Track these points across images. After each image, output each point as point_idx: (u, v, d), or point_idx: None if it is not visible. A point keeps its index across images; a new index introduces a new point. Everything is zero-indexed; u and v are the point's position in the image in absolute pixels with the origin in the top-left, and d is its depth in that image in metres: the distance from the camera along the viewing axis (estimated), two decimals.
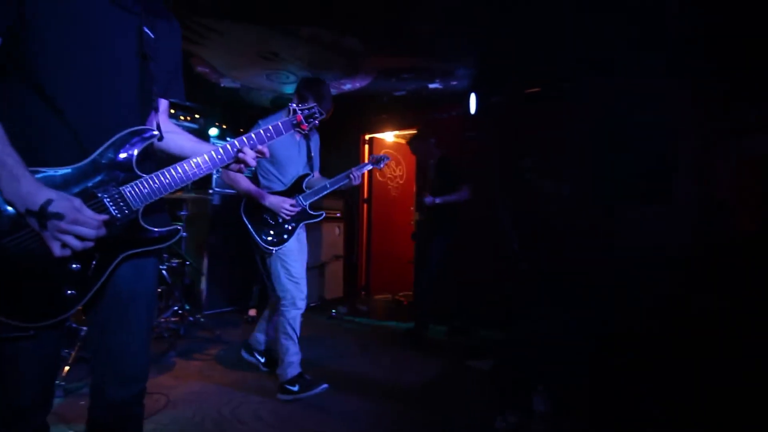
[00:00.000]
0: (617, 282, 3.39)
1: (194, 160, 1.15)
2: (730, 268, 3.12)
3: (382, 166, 2.85)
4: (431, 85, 4.49)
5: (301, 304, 2.56)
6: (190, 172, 1.14)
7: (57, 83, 0.99)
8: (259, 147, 1.25)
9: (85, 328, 2.75)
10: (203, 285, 4.35)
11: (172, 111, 4.34)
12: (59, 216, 0.90)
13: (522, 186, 4.19)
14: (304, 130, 1.40)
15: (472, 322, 3.99)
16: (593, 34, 3.23)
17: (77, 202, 0.95)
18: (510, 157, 4.32)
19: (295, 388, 2.49)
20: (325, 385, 2.54)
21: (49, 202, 0.90)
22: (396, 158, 6.29)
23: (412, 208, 6.13)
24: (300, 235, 2.66)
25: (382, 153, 2.71)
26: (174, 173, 1.12)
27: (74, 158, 1.00)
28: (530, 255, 3.55)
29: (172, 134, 1.28)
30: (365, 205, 5.88)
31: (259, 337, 2.90)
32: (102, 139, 1.03)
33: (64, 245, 0.93)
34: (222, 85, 4.62)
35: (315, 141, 2.80)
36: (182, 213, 3.83)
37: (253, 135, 1.24)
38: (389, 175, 6.17)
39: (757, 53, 3.23)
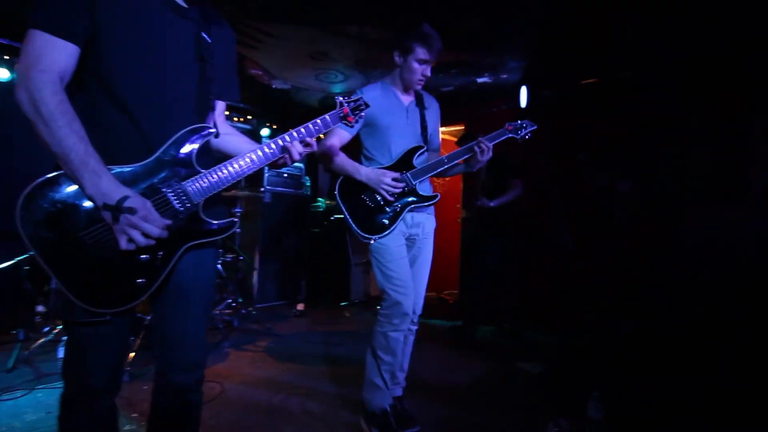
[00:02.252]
0: (686, 285, 3.16)
1: (248, 155, 1.20)
2: None
3: (522, 135, 2.12)
4: (480, 80, 4.39)
5: (398, 322, 2.01)
6: (245, 167, 1.19)
7: (126, 89, 1.06)
8: (308, 140, 1.27)
9: (148, 317, 2.94)
10: (255, 279, 4.52)
11: (227, 113, 4.55)
12: (132, 211, 0.97)
13: (578, 182, 4.00)
14: (351, 122, 1.39)
15: (522, 323, 3.87)
16: (653, 20, 3.02)
17: (149, 203, 1.02)
18: (565, 152, 4.14)
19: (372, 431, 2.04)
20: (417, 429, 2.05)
21: (125, 198, 0.97)
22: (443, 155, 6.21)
23: (458, 206, 6.04)
24: (413, 225, 2.10)
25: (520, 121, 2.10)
26: (230, 168, 1.17)
27: (142, 156, 1.07)
28: (587, 254, 3.38)
29: (229, 135, 1.34)
30: None
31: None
32: (166, 138, 1.10)
33: (130, 240, 1.00)
34: (273, 86, 4.76)
35: (433, 110, 2.21)
36: (236, 210, 3.99)
37: (302, 129, 1.27)
38: None
39: None
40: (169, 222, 1.06)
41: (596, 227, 3.88)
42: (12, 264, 2.97)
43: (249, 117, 5.43)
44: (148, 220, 1.00)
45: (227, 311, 3.75)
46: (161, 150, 1.09)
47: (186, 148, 1.12)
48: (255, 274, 4.52)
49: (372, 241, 1.98)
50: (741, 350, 2.66)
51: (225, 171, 1.16)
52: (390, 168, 2.01)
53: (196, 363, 1.22)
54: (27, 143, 3.66)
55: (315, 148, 1.33)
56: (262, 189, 4.56)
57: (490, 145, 2.00)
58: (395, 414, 2.08)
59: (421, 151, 2.06)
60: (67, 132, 0.96)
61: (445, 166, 2.03)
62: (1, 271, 3.04)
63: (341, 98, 1.40)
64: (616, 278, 3.32)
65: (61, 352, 2.61)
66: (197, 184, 1.12)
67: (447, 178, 6.32)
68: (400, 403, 2.16)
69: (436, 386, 2.71)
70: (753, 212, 3.16)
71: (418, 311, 2.16)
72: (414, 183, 2.00)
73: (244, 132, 1.46)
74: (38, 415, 2.13)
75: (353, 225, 1.96)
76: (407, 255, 2.10)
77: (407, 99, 2.14)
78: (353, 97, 1.41)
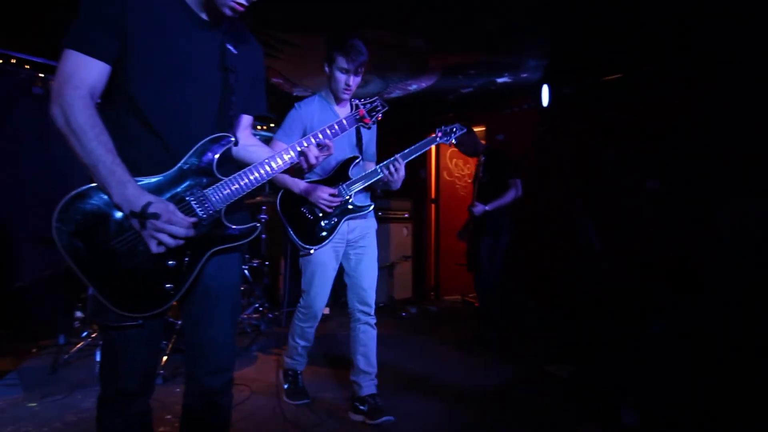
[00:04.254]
0: (719, 285, 3.03)
1: (268, 162, 1.23)
2: None
3: (450, 139, 2.22)
4: (500, 80, 4.35)
5: (309, 319, 2.34)
6: (264, 174, 1.22)
7: (150, 104, 1.11)
8: (326, 141, 1.29)
9: (180, 321, 3.04)
10: (282, 284, 4.59)
11: None
12: (156, 216, 1.02)
13: (602, 181, 3.91)
14: (368, 124, 1.41)
15: (548, 324, 3.79)
16: (679, 9, 2.92)
17: (171, 206, 1.07)
18: (588, 150, 4.05)
19: (285, 386, 2.48)
20: (307, 401, 2.43)
21: (148, 204, 1.02)
22: (464, 157, 6.17)
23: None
24: (350, 231, 2.25)
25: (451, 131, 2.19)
26: (250, 175, 1.21)
27: (166, 167, 1.12)
28: (613, 255, 3.28)
29: (254, 147, 1.38)
30: (433, 205, 5.84)
31: (358, 380, 2.33)
32: (189, 148, 1.14)
33: (160, 243, 1.05)
34: (294, 94, 4.85)
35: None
36: (262, 216, 4.07)
37: (319, 133, 1.29)
38: (457, 174, 6.08)
39: None
40: (194, 219, 1.10)
41: (623, 227, 3.77)
42: (53, 271, 3.13)
43: (272, 125, 5.54)
44: (173, 222, 1.05)
45: (254, 315, 3.83)
46: (183, 160, 1.14)
47: (207, 158, 1.16)
48: (282, 279, 4.59)
49: (311, 252, 2.16)
50: None
51: (246, 179, 1.20)
52: (326, 180, 2.18)
53: (224, 366, 1.25)
54: (63, 156, 3.85)
55: (332, 151, 1.34)
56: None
57: (402, 163, 2.10)
58: (370, 409, 2.26)
59: (356, 161, 2.20)
60: (95, 144, 1.01)
61: (378, 176, 2.14)
62: (44, 278, 3.20)
63: (357, 101, 1.42)
64: (645, 278, 3.21)
65: (98, 356, 2.72)
66: (219, 192, 1.16)
67: (470, 181, 6.28)
68: (373, 399, 2.29)
69: (461, 391, 2.69)
70: None
71: (372, 303, 2.33)
72: (349, 194, 2.16)
73: (266, 140, 1.50)
74: (78, 416, 2.23)
75: (294, 236, 2.14)
76: (346, 260, 2.32)
77: (343, 111, 2.23)
78: (369, 99, 1.43)
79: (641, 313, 2.90)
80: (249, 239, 1.24)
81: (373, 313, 2.34)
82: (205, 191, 1.15)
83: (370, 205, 2.26)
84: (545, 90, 3.78)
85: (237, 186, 1.18)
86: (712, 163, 3.44)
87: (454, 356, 3.35)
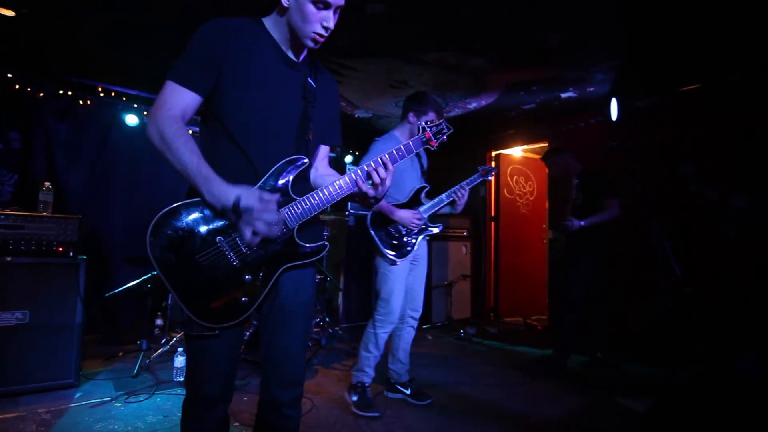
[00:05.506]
0: None
1: (336, 182, 1.29)
2: None
3: (489, 177, 2.77)
4: (564, 95, 4.22)
5: (389, 324, 2.63)
6: (334, 193, 1.28)
7: (238, 127, 1.23)
8: (391, 165, 1.31)
9: (247, 332, 3.19)
10: (340, 300, 4.69)
11: None
12: (248, 206, 1.12)
13: (682, 198, 3.62)
14: (433, 146, 1.44)
15: (619, 353, 3.52)
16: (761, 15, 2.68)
17: (258, 192, 1.15)
18: (664, 166, 3.79)
19: (354, 398, 2.61)
20: (377, 414, 2.52)
21: (239, 197, 1.12)
22: (525, 174, 6.01)
23: (544, 226, 5.76)
24: (422, 248, 2.73)
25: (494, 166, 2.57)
26: (321, 195, 1.27)
27: (250, 182, 1.20)
28: (696, 279, 3.00)
29: (331, 176, 1.44)
30: (492, 224, 5.71)
31: (396, 369, 2.82)
32: (269, 167, 1.24)
33: (255, 233, 1.14)
34: (356, 116, 5.02)
35: (424, 154, 2.84)
36: (324, 233, 4.20)
37: (386, 154, 1.33)
38: (518, 192, 5.92)
39: None
40: (278, 196, 1.20)
41: (707, 248, 3.45)
42: (137, 283, 3.43)
43: (336, 146, 5.74)
44: (264, 209, 1.13)
45: (315, 330, 3.93)
46: (263, 180, 1.23)
47: (283, 178, 1.25)
48: (340, 295, 4.69)
49: (398, 262, 2.58)
50: None
51: (316, 198, 1.27)
52: (404, 204, 2.63)
53: (294, 380, 1.31)
54: (150, 180, 4.25)
55: (392, 169, 1.37)
56: (347, 213, 4.77)
57: (467, 190, 2.59)
58: (414, 391, 2.76)
59: (426, 189, 2.68)
60: (183, 149, 1.13)
61: (445, 203, 2.62)
62: (130, 290, 3.53)
63: (424, 123, 1.45)
64: (731, 306, 2.89)
65: (176, 361, 2.93)
66: (292, 211, 1.24)
67: (531, 199, 6.08)
68: (415, 384, 2.80)
69: (524, 420, 2.56)
70: None
71: (420, 309, 2.82)
72: (425, 217, 2.63)
73: (329, 160, 1.57)
74: (157, 417, 2.40)
75: (384, 249, 2.57)
76: (409, 272, 2.74)
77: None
78: (435, 122, 1.45)
79: (729, 346, 2.62)
80: (319, 257, 1.30)
81: (417, 317, 2.81)
82: (280, 211, 1.23)
83: (438, 226, 2.68)
84: (614, 103, 3.61)
85: (308, 205, 1.26)
86: None
87: (517, 381, 3.21)
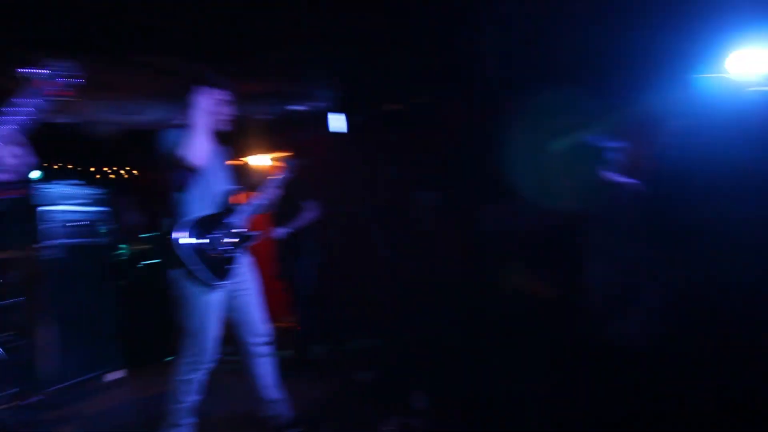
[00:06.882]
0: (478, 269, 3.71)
1: None
2: None
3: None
4: (293, 107, 4.52)
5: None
6: None
7: None
8: None
9: None
10: (48, 356, 3.61)
11: None
12: None
13: (390, 195, 4.41)
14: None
15: (352, 334, 4.01)
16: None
17: None
18: (377, 169, 4.55)
19: None
20: None
21: None
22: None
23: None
24: None
25: None
26: None
27: None
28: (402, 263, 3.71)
29: None
30: None
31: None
32: None
33: None
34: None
35: None
36: (11, 276, 3.15)
37: None
38: None
39: None
40: None
41: (411, 236, 4.31)
42: None
43: None
44: None
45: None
46: None
47: None
48: (46, 350, 3.61)
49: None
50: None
51: None
52: None
53: None
54: None
55: None
56: (38, 245, 3.65)
57: None
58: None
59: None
60: None
61: None
62: None
63: None
64: (426, 280, 3.74)
65: None
66: None
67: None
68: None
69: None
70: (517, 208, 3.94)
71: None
72: None
73: None
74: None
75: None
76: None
77: None
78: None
79: (426, 310, 3.36)
80: None
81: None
82: None
83: None
84: (332, 117, 4.09)
85: None
86: (473, 175, 4.23)
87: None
